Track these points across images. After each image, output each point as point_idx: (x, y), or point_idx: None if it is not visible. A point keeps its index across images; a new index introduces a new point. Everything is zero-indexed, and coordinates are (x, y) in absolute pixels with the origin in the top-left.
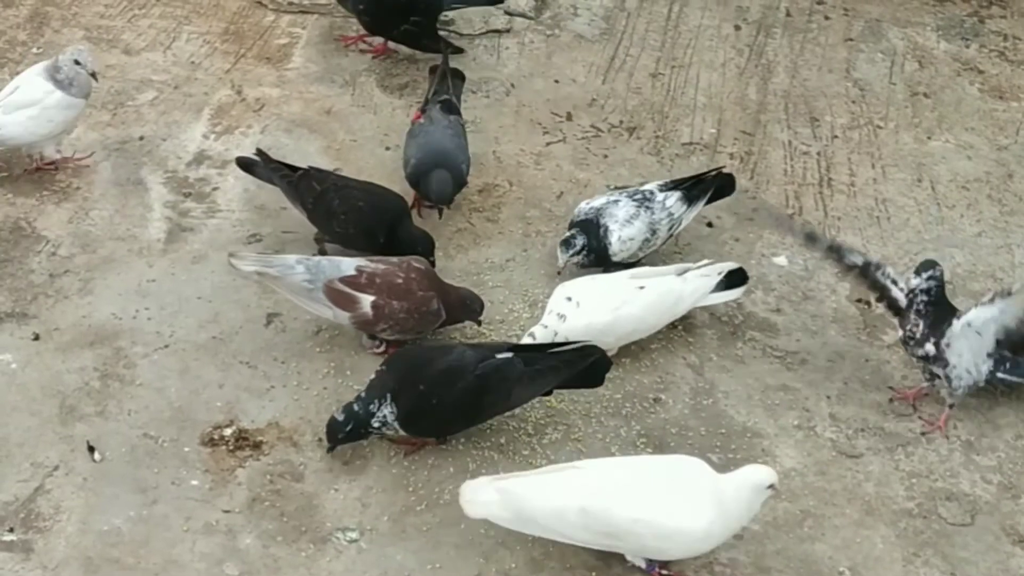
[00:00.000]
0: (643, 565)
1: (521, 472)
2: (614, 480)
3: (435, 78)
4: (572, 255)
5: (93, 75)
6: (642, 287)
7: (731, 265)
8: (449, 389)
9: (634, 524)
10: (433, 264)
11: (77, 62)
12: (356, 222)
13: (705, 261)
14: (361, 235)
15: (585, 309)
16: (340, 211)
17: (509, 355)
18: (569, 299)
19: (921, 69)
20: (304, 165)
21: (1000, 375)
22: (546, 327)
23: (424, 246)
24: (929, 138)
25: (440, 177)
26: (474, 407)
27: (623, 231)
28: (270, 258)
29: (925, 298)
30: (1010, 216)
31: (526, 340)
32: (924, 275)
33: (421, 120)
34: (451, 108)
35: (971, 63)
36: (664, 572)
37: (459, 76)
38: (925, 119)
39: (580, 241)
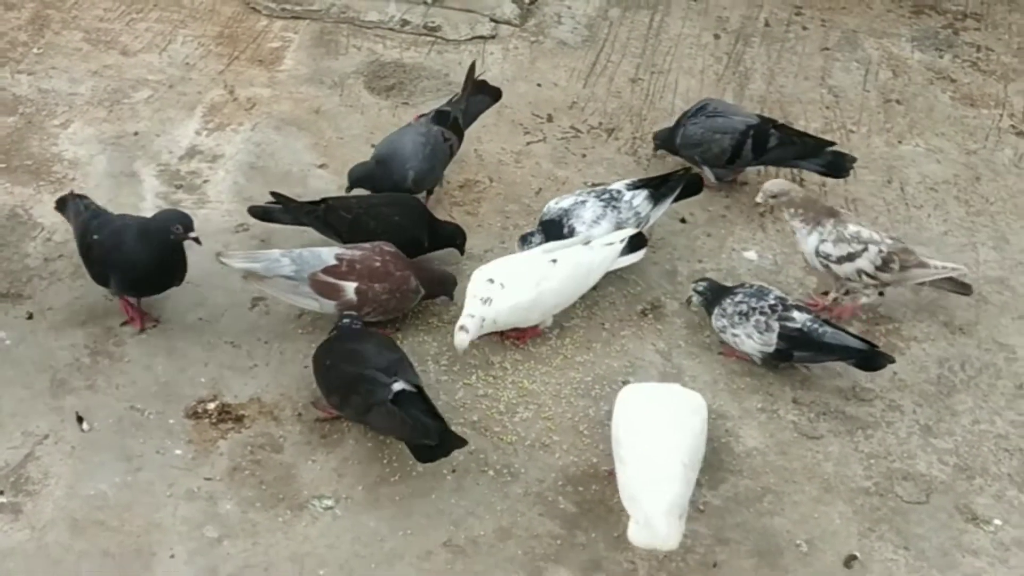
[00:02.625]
0: None
1: None
2: None
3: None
4: (526, 250)
5: None
6: (555, 260)
7: (631, 231)
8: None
9: None
10: (462, 253)
11: None
12: (398, 236)
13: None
14: (407, 246)
15: (509, 289)
16: (380, 230)
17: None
18: (491, 281)
19: (895, 77)
20: (295, 167)
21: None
22: (473, 316)
23: (461, 237)
24: (900, 142)
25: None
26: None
27: (590, 232)
28: (256, 253)
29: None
30: (976, 216)
31: (458, 336)
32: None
33: (414, 122)
34: (441, 119)
35: (944, 72)
36: None
37: (490, 93)
38: (897, 124)
39: (537, 239)
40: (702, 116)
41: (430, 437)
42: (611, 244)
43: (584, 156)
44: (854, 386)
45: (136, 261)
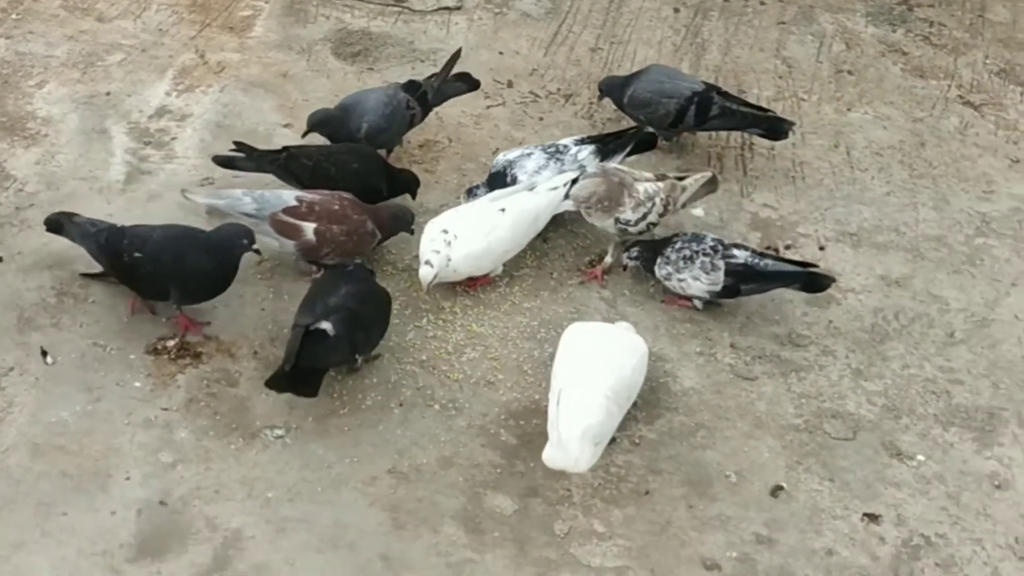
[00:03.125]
0: None
1: None
2: None
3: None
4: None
5: None
6: (503, 209)
7: (573, 175)
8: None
9: None
10: (414, 197)
11: None
12: (357, 182)
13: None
14: (367, 193)
15: (461, 240)
16: (339, 177)
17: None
18: (445, 232)
19: (848, 50)
20: (261, 126)
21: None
22: (431, 265)
23: (415, 183)
24: (849, 110)
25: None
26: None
27: (530, 181)
28: (220, 191)
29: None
30: (918, 179)
31: (423, 269)
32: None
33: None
34: (411, 89)
35: (896, 46)
36: None
37: (466, 81)
38: (847, 93)
39: (481, 192)
40: (649, 79)
41: (287, 365)
42: (555, 188)
43: (541, 119)
44: (790, 332)
45: (202, 273)
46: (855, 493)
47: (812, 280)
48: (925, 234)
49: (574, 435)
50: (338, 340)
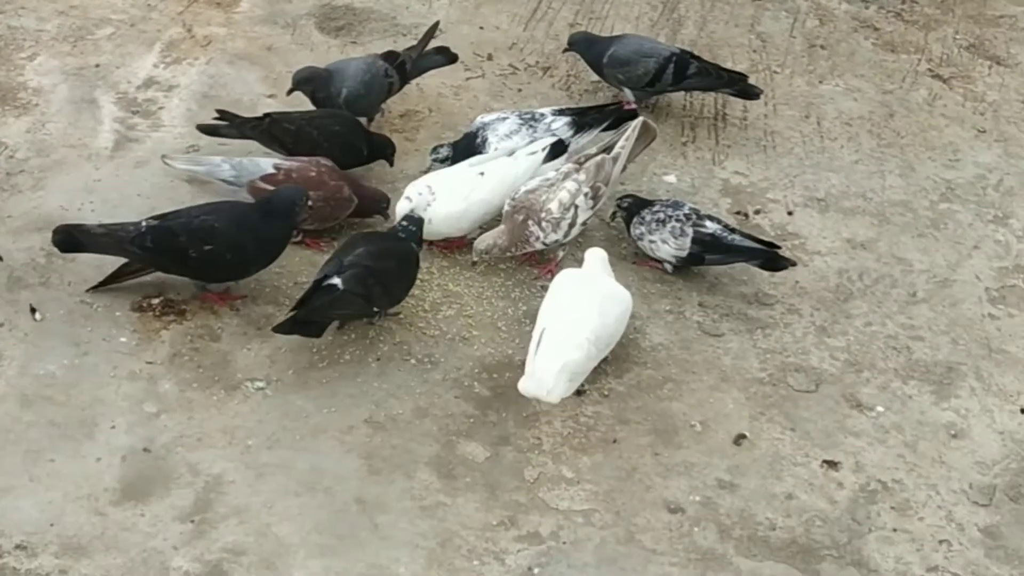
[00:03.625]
0: None
1: None
2: None
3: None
4: (433, 160)
5: None
6: (482, 173)
7: (552, 139)
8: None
9: None
10: (391, 164)
11: None
12: (339, 144)
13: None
14: (349, 154)
15: (442, 200)
16: (323, 140)
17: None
18: (429, 187)
19: (821, 25)
20: (246, 96)
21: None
22: (410, 200)
23: (391, 148)
24: (821, 82)
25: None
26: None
27: (500, 144)
28: (199, 158)
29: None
30: (886, 148)
31: (401, 209)
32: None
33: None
34: (390, 59)
35: (869, 21)
36: None
37: (444, 54)
38: (819, 67)
39: (444, 151)
40: (629, 41)
41: (296, 314)
42: (534, 153)
43: (520, 91)
44: (757, 292)
45: (274, 247)
46: (815, 442)
47: (773, 260)
48: (891, 200)
49: (553, 367)
50: (346, 295)
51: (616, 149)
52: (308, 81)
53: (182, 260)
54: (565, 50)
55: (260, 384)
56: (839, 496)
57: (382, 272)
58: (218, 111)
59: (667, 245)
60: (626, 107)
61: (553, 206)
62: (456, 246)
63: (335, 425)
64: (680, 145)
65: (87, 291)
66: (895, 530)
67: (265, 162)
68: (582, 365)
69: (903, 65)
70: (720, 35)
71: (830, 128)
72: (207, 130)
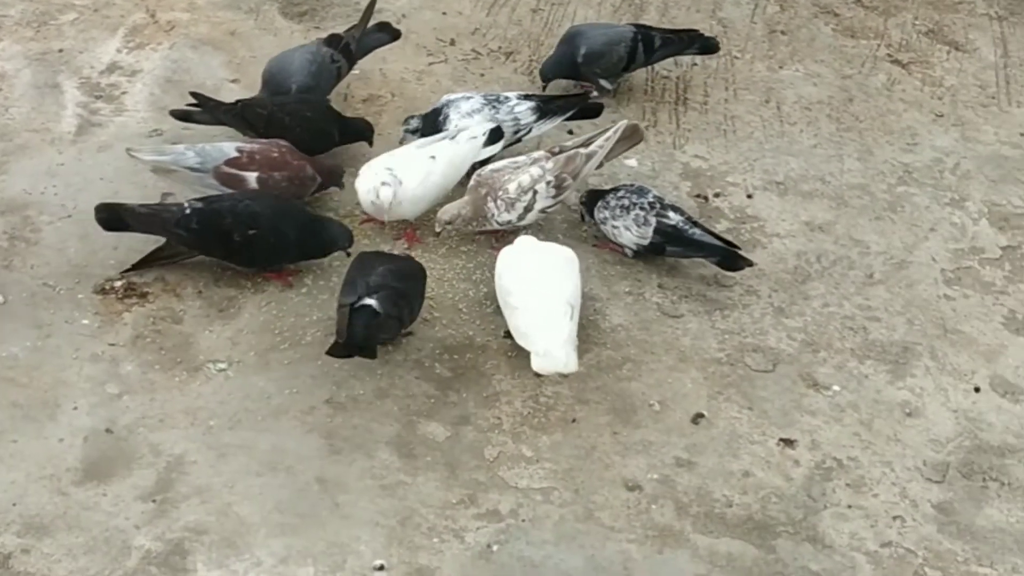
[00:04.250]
0: None
1: None
2: None
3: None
4: (405, 131)
5: None
6: (433, 156)
7: (490, 125)
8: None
9: None
10: (371, 144)
11: None
12: (311, 130)
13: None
14: (319, 139)
15: (405, 185)
16: (294, 125)
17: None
18: (390, 169)
19: (782, 12)
20: (209, 80)
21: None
22: (388, 184)
23: (369, 130)
24: (781, 68)
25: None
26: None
27: (460, 121)
28: (163, 147)
29: None
30: (845, 132)
31: (383, 190)
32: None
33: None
34: (332, 43)
35: (829, 7)
36: None
37: (387, 31)
38: (779, 52)
39: (414, 123)
40: (589, 35)
41: (340, 340)
42: (474, 137)
43: (482, 76)
44: (716, 274)
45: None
46: (772, 420)
47: (731, 258)
48: (849, 183)
49: (558, 343)
50: (387, 319)
51: (593, 146)
52: (265, 88)
53: (225, 243)
54: (544, 87)
55: (222, 365)
56: (795, 473)
57: (406, 292)
58: (192, 94)
59: (629, 232)
60: (592, 97)
61: (511, 187)
62: (410, 236)
63: (296, 406)
64: (643, 130)
65: (122, 272)
66: (850, 507)
67: (228, 146)
68: (574, 330)
69: (862, 50)
70: (682, 20)
71: (789, 113)
72: (180, 115)
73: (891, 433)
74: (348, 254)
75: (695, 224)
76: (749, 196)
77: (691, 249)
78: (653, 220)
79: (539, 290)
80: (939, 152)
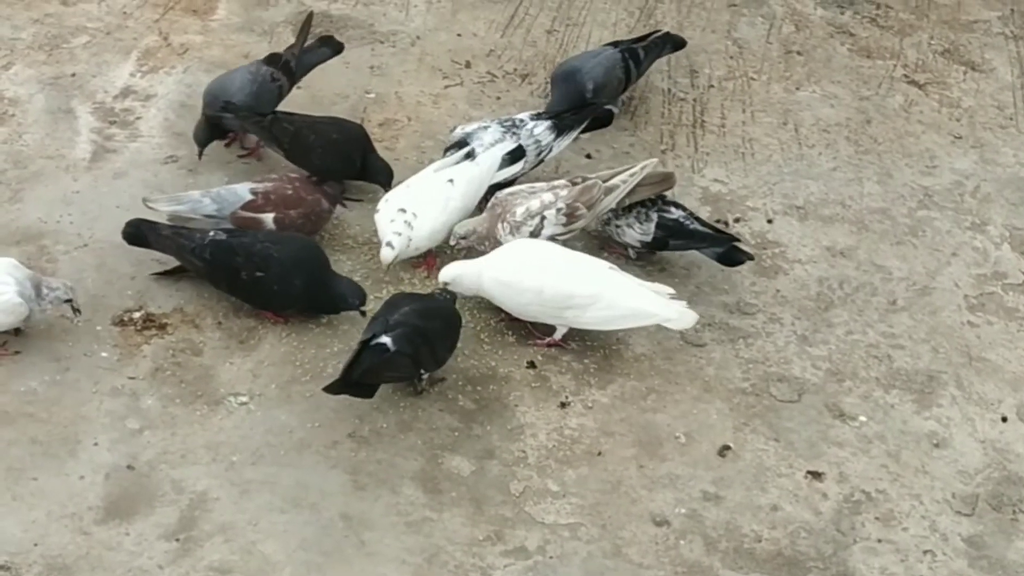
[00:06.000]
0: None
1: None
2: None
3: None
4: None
5: (75, 311)
6: (451, 180)
7: (510, 145)
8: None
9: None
10: (387, 190)
11: (68, 300)
12: (334, 153)
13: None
14: (340, 164)
15: (423, 217)
16: (317, 145)
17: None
18: (403, 210)
19: (797, 31)
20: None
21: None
22: (400, 234)
23: (385, 176)
24: (798, 89)
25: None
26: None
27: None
28: (179, 196)
29: None
30: (864, 155)
31: (384, 251)
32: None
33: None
34: (272, 62)
35: (844, 27)
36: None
37: (329, 45)
38: (796, 73)
39: (452, 153)
40: (586, 70)
41: (340, 376)
42: (494, 158)
43: (499, 99)
44: (739, 301)
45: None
46: (799, 452)
47: (732, 251)
48: (869, 207)
49: (663, 305)
50: (396, 357)
51: (615, 180)
52: (207, 108)
53: (232, 279)
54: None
55: (243, 399)
56: (824, 507)
57: (430, 332)
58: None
59: (632, 230)
60: (601, 105)
61: (519, 210)
62: (430, 265)
63: (319, 440)
64: (659, 153)
65: (151, 275)
66: (880, 541)
67: (242, 189)
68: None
69: (879, 71)
70: (697, 42)
71: (808, 135)
72: (213, 119)
73: (919, 465)
74: (363, 314)
75: (695, 218)
76: (769, 221)
77: (694, 241)
78: (654, 216)
79: (589, 278)
80: (959, 175)
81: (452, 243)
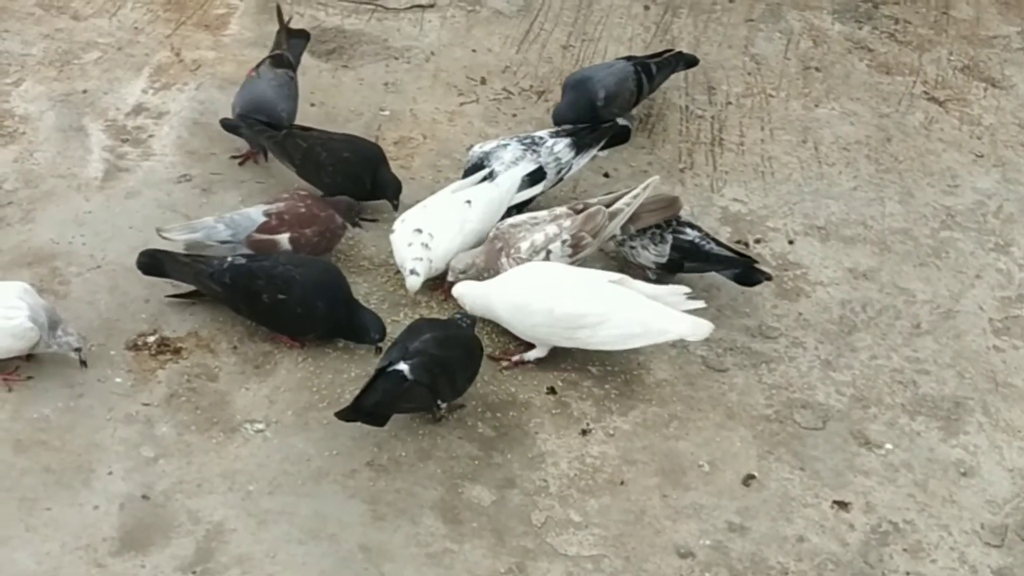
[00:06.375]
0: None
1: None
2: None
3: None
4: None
5: (82, 363)
6: (469, 201)
7: (531, 167)
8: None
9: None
10: (396, 207)
11: (78, 350)
12: (344, 172)
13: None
14: (350, 184)
15: (439, 238)
16: (328, 163)
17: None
18: (419, 231)
19: (815, 47)
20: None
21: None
22: (421, 259)
23: (392, 190)
24: (816, 106)
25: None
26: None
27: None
28: (192, 224)
29: None
30: (885, 173)
31: (410, 279)
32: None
33: (253, 74)
34: (281, 63)
35: (862, 42)
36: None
37: (302, 36)
38: (814, 90)
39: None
40: (597, 80)
41: (352, 403)
42: (513, 179)
43: (515, 116)
44: (760, 325)
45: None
46: (825, 481)
47: (749, 271)
48: (891, 227)
49: (677, 319)
50: (413, 387)
51: (619, 204)
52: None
53: (252, 303)
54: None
55: (260, 426)
56: (851, 538)
57: (449, 361)
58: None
59: (647, 251)
60: (620, 122)
61: (524, 246)
62: (447, 290)
63: (337, 468)
64: (678, 172)
65: (165, 297)
66: (908, 573)
67: (255, 212)
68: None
69: (898, 87)
70: (714, 57)
71: (828, 153)
72: (229, 126)
73: (947, 494)
74: (379, 349)
75: (711, 239)
76: (791, 242)
77: (710, 263)
78: (669, 237)
79: (599, 296)
80: (981, 194)
81: (450, 279)
